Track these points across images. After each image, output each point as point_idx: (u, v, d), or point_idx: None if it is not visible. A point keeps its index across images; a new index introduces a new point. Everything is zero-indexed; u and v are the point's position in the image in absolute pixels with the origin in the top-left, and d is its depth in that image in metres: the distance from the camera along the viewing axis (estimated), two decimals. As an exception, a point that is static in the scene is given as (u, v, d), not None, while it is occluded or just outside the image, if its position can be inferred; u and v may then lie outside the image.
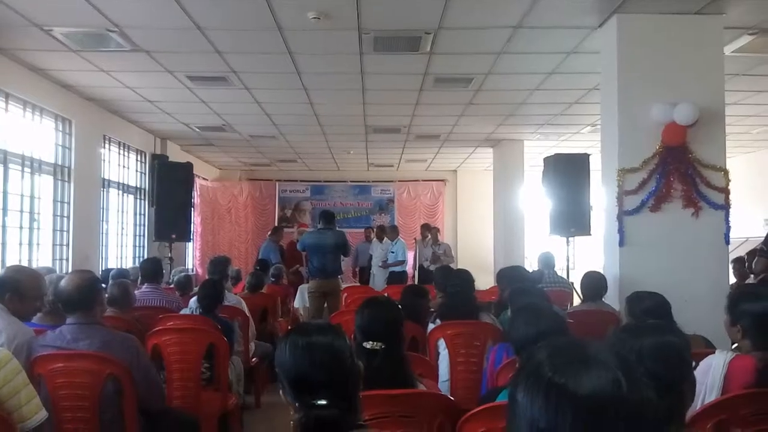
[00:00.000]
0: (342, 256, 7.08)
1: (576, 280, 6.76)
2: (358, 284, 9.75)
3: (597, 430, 0.78)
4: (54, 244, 6.97)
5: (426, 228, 10.26)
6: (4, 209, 6.00)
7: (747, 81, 6.45)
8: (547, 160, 7.39)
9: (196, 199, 11.82)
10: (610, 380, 0.81)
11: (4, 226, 5.99)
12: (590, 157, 7.19)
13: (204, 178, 12.69)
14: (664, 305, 2.84)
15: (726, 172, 4.64)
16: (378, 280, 9.64)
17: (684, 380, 1.45)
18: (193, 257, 12.33)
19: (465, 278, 3.98)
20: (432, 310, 4.18)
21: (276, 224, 12.09)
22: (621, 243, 4.60)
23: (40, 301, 3.03)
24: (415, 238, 12.20)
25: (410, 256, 10.97)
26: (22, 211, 6.35)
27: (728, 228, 4.64)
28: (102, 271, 7.30)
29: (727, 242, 4.66)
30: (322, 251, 6.70)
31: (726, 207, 4.62)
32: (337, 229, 7.17)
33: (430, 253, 9.66)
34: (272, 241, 9.34)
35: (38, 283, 3.02)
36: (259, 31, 5.10)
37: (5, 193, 6.01)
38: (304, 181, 13.88)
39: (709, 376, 2.14)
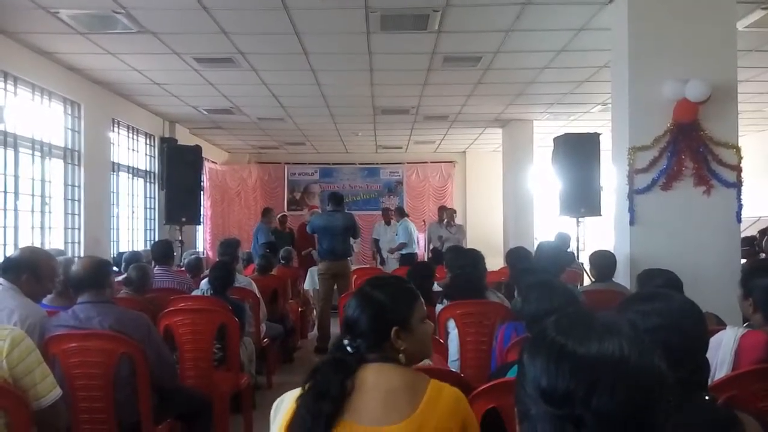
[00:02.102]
0: (352, 239, 7.08)
1: (586, 261, 6.76)
2: (367, 266, 9.77)
3: (595, 390, 0.78)
4: (66, 228, 7.02)
5: (441, 209, 10.22)
6: (16, 193, 6.05)
7: (760, 57, 6.35)
8: (556, 140, 7.33)
9: (206, 183, 11.85)
10: (612, 343, 0.81)
11: (16, 210, 6.04)
12: (600, 136, 7.13)
13: (213, 162, 12.71)
14: (675, 282, 2.83)
15: (738, 150, 4.58)
16: (390, 263, 9.61)
17: (701, 347, 1.44)
18: (203, 240, 12.40)
19: (473, 257, 3.97)
20: (439, 289, 4.19)
21: (267, 207, 11.89)
22: (632, 222, 4.57)
23: (52, 283, 3.07)
24: (423, 220, 12.21)
25: (421, 238, 10.94)
26: (33, 195, 6.40)
27: (740, 206, 4.59)
28: (116, 254, 7.36)
29: (739, 221, 4.62)
30: (331, 233, 6.71)
31: (738, 185, 4.57)
32: (347, 211, 7.18)
33: (444, 234, 9.58)
34: (263, 223, 9.39)
35: (53, 264, 3.10)
36: (266, 11, 5.06)
37: (17, 177, 6.05)
38: (313, 164, 13.86)
39: (720, 352, 2.13)
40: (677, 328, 1.39)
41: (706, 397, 1.40)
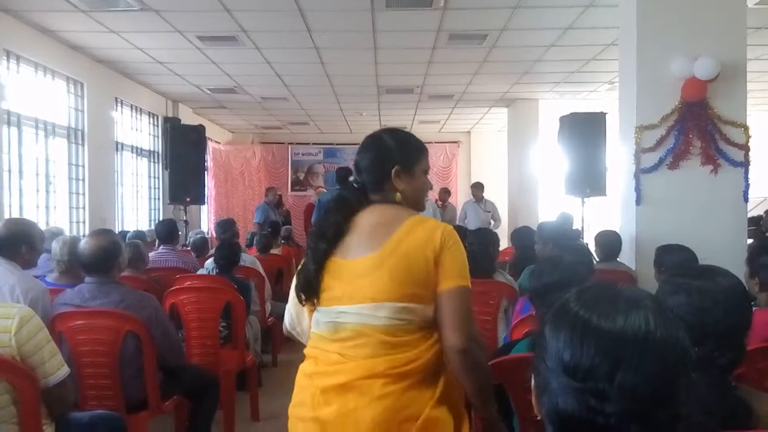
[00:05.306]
0: None
1: (591, 240, 6.75)
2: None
3: (620, 365, 0.78)
4: (70, 207, 7.03)
5: (476, 187, 9.61)
6: (20, 172, 6.05)
7: (770, 35, 6.27)
8: (562, 119, 7.26)
9: (209, 163, 11.83)
10: (638, 317, 0.81)
11: (20, 189, 6.04)
12: (607, 115, 7.07)
13: (216, 142, 12.67)
14: (692, 261, 2.83)
15: (746, 128, 4.52)
16: None
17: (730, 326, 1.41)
18: (208, 220, 12.42)
19: (482, 238, 3.96)
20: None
21: (270, 186, 11.78)
22: (638, 201, 4.54)
23: (42, 245, 3.20)
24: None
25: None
26: (37, 175, 6.39)
27: (747, 185, 4.55)
28: (119, 232, 7.37)
29: (746, 200, 4.59)
30: None
31: (745, 164, 4.52)
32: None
33: (482, 213, 9.20)
34: (266, 202, 9.37)
35: (40, 230, 3.23)
36: (269, -12, 5.01)
37: (20, 156, 6.04)
38: (317, 144, 13.81)
39: (727, 330, 2.12)
40: (724, 308, 1.38)
41: (732, 383, 1.39)
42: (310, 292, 1.68)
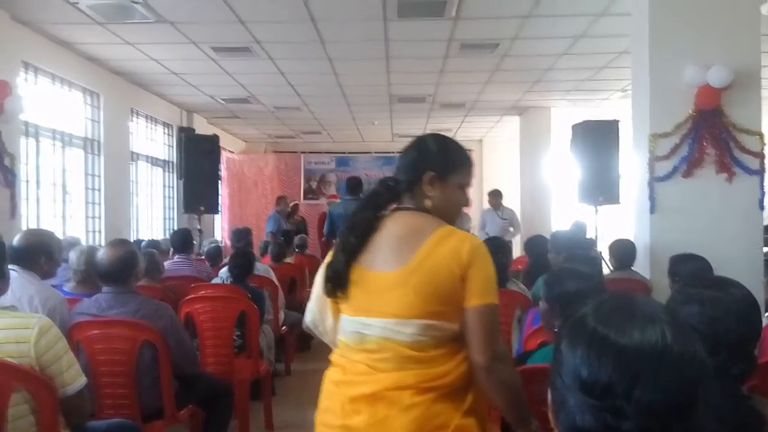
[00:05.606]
0: None
1: (604, 249, 6.70)
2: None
3: (637, 382, 0.77)
4: (86, 217, 7.11)
5: (493, 194, 9.45)
6: (38, 182, 6.13)
7: (785, 41, 6.21)
8: (575, 127, 7.24)
9: (223, 172, 11.90)
10: (654, 331, 0.80)
11: (38, 199, 6.13)
12: (620, 123, 7.04)
13: (230, 151, 12.76)
14: (706, 271, 2.81)
15: (761, 136, 4.49)
16: None
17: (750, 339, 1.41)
18: (221, 229, 12.48)
19: (493, 246, 3.95)
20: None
21: (281, 195, 11.82)
22: (652, 210, 4.52)
23: (61, 255, 3.22)
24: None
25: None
26: (54, 185, 6.48)
27: (763, 194, 4.51)
28: (133, 241, 7.43)
29: (762, 208, 4.54)
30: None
31: (761, 172, 4.48)
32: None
33: (499, 221, 9.08)
34: (277, 211, 9.40)
35: (58, 239, 3.28)
36: None
37: (38, 166, 6.13)
38: (329, 153, 13.87)
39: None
40: (736, 318, 1.37)
41: (746, 393, 1.38)
42: (338, 284, 1.65)
